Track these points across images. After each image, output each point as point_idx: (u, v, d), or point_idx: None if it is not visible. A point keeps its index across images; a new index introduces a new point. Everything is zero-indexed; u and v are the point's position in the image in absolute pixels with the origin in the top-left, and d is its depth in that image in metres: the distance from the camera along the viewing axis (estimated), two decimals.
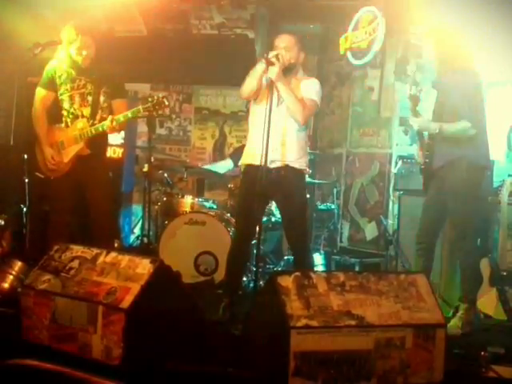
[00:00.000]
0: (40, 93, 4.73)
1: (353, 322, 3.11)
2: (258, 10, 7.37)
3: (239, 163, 4.57)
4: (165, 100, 4.53)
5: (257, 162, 4.08)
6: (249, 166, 4.37)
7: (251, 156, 4.31)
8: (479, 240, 4.68)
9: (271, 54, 4.17)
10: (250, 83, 4.28)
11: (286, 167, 4.32)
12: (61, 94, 4.66)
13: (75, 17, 4.85)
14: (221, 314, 4.31)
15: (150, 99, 4.55)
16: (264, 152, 3.96)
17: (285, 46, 4.28)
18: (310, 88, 4.34)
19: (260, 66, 4.22)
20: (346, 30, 6.78)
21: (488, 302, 4.37)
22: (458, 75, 4.31)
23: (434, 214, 4.45)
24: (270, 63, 4.14)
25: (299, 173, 4.39)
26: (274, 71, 4.13)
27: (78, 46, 4.54)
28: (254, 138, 4.31)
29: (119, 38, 7.40)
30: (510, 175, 4.97)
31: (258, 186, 4.00)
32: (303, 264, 4.39)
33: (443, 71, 4.48)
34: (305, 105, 4.25)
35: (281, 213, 4.63)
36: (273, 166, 4.25)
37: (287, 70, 4.26)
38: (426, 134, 4.51)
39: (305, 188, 4.60)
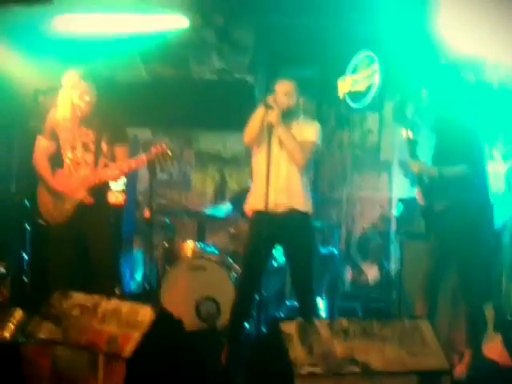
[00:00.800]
0: (41, 143, 4.73)
1: (357, 369, 3.08)
2: (256, 55, 7.46)
3: (245, 209, 4.58)
4: (168, 151, 4.55)
5: (262, 207, 4.15)
6: (255, 212, 4.38)
7: (257, 202, 4.33)
8: (484, 284, 4.64)
9: (270, 99, 4.27)
10: (252, 128, 4.35)
11: (292, 211, 4.34)
12: (63, 142, 4.67)
13: (76, 63, 4.90)
14: (223, 361, 4.26)
15: (153, 149, 4.55)
16: (268, 197, 4.06)
17: (284, 91, 4.36)
18: (310, 131, 4.42)
19: (260, 111, 4.30)
20: (345, 74, 6.86)
21: (493, 348, 4.31)
22: (454, 117, 4.35)
23: (437, 257, 4.43)
24: (269, 108, 4.23)
25: (305, 216, 4.41)
26: (273, 115, 4.22)
27: (80, 92, 4.57)
28: (258, 183, 4.33)
29: (120, 84, 7.48)
30: (511, 217, 4.96)
31: (265, 230, 4.07)
32: (309, 310, 4.35)
33: (440, 115, 4.52)
34: (304, 148, 4.32)
35: (287, 257, 4.63)
36: (279, 210, 4.30)
37: (287, 115, 4.33)
38: (426, 176, 4.51)
39: (312, 231, 4.63)
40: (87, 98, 4.60)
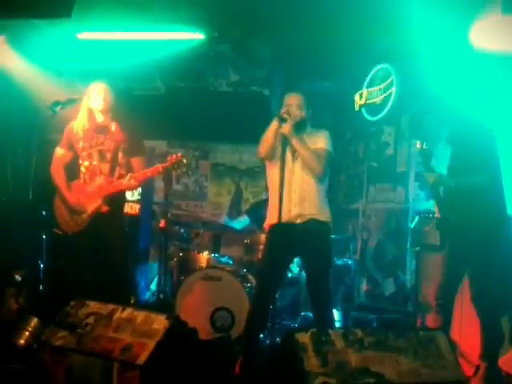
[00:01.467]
0: (58, 152, 4.80)
1: (371, 380, 3.07)
2: (273, 69, 7.49)
3: (264, 225, 4.58)
4: (184, 159, 4.58)
5: (279, 220, 4.19)
6: (273, 226, 4.38)
7: (274, 215, 4.33)
8: (500, 297, 4.60)
9: (283, 111, 4.32)
10: (267, 141, 4.38)
11: (311, 221, 4.35)
12: (79, 152, 4.72)
13: (96, 76, 4.95)
14: (237, 371, 4.25)
15: (169, 158, 4.59)
16: (284, 209, 4.13)
17: (296, 103, 4.42)
18: (320, 140, 4.44)
19: (274, 124, 4.34)
20: (361, 87, 6.87)
21: (510, 360, 4.27)
22: (470, 130, 4.34)
23: (451, 269, 4.40)
24: (282, 120, 4.27)
25: (324, 225, 4.42)
26: (286, 127, 4.27)
27: (100, 102, 4.63)
28: (275, 197, 4.34)
29: (137, 96, 7.54)
30: None
31: (283, 243, 4.14)
32: (326, 321, 4.34)
33: (455, 126, 4.51)
34: (319, 157, 4.35)
35: (306, 268, 4.63)
36: (298, 221, 4.32)
37: (299, 126, 4.36)
38: (441, 188, 4.50)
39: (330, 241, 4.60)
40: (106, 108, 4.66)
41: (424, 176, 4.58)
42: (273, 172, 4.44)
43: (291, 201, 4.27)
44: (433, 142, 4.97)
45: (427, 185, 4.56)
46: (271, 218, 4.42)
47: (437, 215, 4.52)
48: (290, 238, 4.28)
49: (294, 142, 4.31)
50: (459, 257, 4.35)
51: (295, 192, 4.32)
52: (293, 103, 4.41)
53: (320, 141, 4.43)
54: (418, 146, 4.44)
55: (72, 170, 4.79)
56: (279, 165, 4.27)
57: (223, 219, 7.14)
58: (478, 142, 4.31)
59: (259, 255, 4.48)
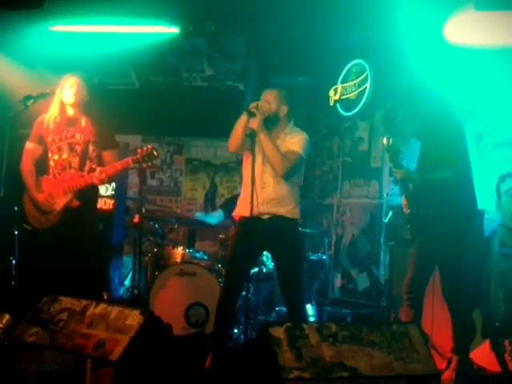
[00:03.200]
0: (29, 147, 4.74)
1: (345, 374, 3.07)
2: (248, 63, 7.49)
3: (233, 214, 4.59)
4: (154, 151, 4.52)
5: (248, 214, 4.18)
6: (242, 218, 4.39)
7: (243, 208, 4.34)
8: (471, 290, 4.65)
9: (251, 105, 4.29)
10: (235, 135, 4.36)
11: (279, 218, 4.35)
12: (49, 145, 4.65)
13: (68, 69, 4.90)
14: (207, 366, 4.24)
15: (139, 150, 4.55)
16: (253, 203, 4.11)
17: (265, 98, 4.39)
18: (295, 141, 4.39)
19: (242, 118, 4.31)
20: (336, 83, 6.89)
21: (482, 354, 4.32)
22: (438, 125, 4.35)
23: (421, 263, 4.42)
24: (250, 114, 4.26)
25: (292, 222, 4.41)
26: (254, 122, 4.25)
27: (71, 95, 4.58)
28: (245, 190, 4.37)
29: (111, 91, 7.49)
30: (500, 225, 4.97)
31: (251, 236, 4.10)
32: (298, 316, 4.35)
33: (422, 121, 4.52)
34: (286, 158, 4.30)
35: (276, 263, 4.63)
36: (264, 216, 4.33)
37: (271, 123, 4.35)
38: (409, 183, 4.51)
39: (299, 237, 4.61)
40: (78, 101, 4.61)
41: (392, 172, 4.59)
42: (245, 165, 4.44)
43: (259, 195, 4.24)
44: (406, 137, 5.00)
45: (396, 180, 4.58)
46: (239, 210, 4.43)
47: (405, 209, 4.53)
48: (258, 231, 4.27)
49: (261, 137, 4.28)
50: (429, 251, 4.37)
51: (263, 187, 4.31)
52: (264, 98, 4.39)
53: (294, 143, 4.37)
54: (385, 142, 4.40)
55: (43, 165, 4.72)
56: (250, 159, 4.25)
57: (197, 214, 7.12)
58: (446, 136, 4.32)
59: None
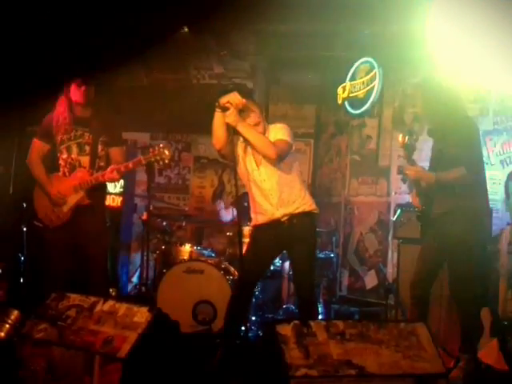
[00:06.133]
0: (36, 143, 4.74)
1: (353, 372, 3.07)
2: (257, 61, 7.48)
3: (249, 224, 4.56)
4: (165, 150, 4.53)
5: (265, 220, 4.22)
6: (258, 225, 4.34)
7: (258, 218, 4.32)
8: (479, 289, 4.63)
9: (223, 100, 4.12)
10: (215, 133, 4.20)
11: (295, 215, 4.27)
12: (58, 145, 4.67)
13: (77, 67, 4.91)
14: (214, 364, 4.24)
15: (151, 150, 4.56)
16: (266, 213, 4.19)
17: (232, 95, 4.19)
18: (277, 130, 4.28)
19: (217, 115, 4.16)
20: (344, 81, 6.88)
21: (489, 353, 4.30)
22: (452, 123, 4.33)
23: (429, 262, 4.40)
24: (224, 109, 4.11)
25: (309, 214, 4.32)
26: (230, 116, 4.08)
27: (81, 94, 4.59)
28: (252, 202, 4.33)
29: (120, 88, 7.50)
30: (508, 224, 4.95)
31: (271, 239, 4.21)
32: (311, 315, 4.30)
33: (437, 120, 4.50)
34: (276, 145, 4.17)
35: (293, 265, 4.56)
36: (284, 219, 4.25)
37: (245, 116, 4.20)
38: (422, 181, 4.50)
39: (316, 235, 4.51)
40: (86, 100, 4.61)
41: (404, 170, 4.57)
42: (243, 178, 4.35)
43: (270, 203, 4.20)
44: (415, 135, 4.98)
45: (409, 178, 4.57)
46: (255, 220, 4.36)
47: (417, 207, 4.52)
48: (277, 234, 4.24)
49: (240, 127, 4.09)
50: (439, 249, 4.35)
51: (271, 195, 4.22)
52: (229, 95, 4.15)
53: (278, 132, 4.24)
54: (401, 139, 4.42)
55: (50, 162, 4.73)
56: (244, 171, 4.24)
57: (206, 212, 7.13)
58: (461, 134, 4.30)
59: (244, 248, 4.39)
